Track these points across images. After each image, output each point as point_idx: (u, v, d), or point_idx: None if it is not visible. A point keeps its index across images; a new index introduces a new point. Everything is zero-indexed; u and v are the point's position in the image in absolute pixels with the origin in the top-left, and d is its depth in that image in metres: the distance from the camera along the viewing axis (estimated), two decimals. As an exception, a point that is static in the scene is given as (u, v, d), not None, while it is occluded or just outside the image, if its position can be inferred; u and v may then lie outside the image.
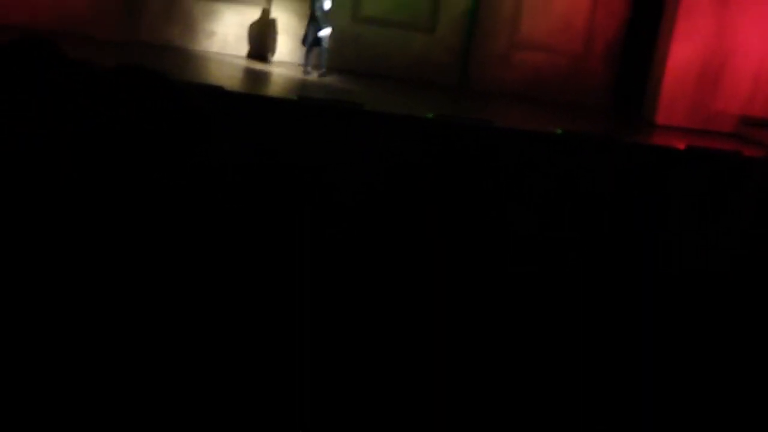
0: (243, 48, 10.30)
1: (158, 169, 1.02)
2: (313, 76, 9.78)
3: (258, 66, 9.94)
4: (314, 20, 9.73)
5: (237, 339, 2.39)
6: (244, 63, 10.13)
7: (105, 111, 1.00)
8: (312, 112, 5.49)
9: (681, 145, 6.59)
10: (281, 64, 10.24)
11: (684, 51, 10.05)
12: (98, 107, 1.02)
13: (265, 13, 10.46)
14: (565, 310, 3.12)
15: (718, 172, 4.51)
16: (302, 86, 9.08)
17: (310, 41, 9.77)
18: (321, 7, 9.64)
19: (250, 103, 4.91)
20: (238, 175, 3.68)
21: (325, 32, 9.66)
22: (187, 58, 9.29)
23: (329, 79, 9.55)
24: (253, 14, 10.43)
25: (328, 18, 9.64)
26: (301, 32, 9.99)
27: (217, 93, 5.53)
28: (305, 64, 9.81)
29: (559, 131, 6.01)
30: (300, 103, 6.01)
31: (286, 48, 10.47)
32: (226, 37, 10.30)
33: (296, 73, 9.87)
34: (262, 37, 10.45)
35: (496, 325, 3.00)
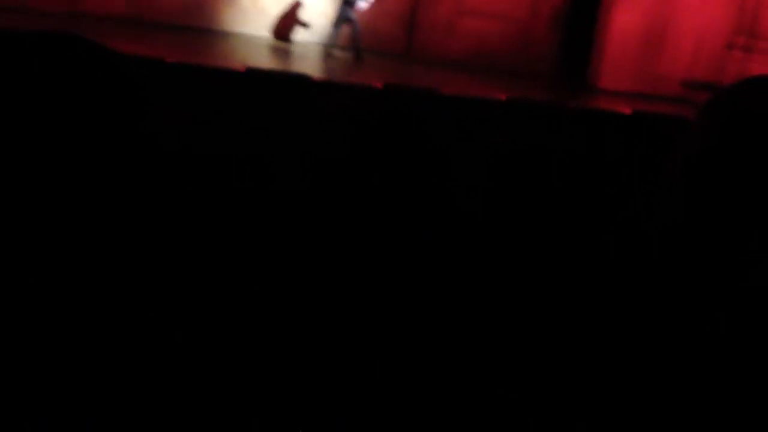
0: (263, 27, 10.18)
1: (90, 145, 0.99)
2: (336, 56, 9.43)
3: (274, 46, 9.60)
4: None
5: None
6: (259, 43, 9.82)
7: (25, 80, 0.97)
8: (258, 83, 5.44)
9: (626, 110, 6.67)
10: (305, 45, 9.88)
11: (627, 16, 10.14)
12: (18, 76, 0.98)
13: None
14: (508, 276, 3.15)
15: (663, 136, 4.57)
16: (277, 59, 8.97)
17: (340, 20, 9.38)
18: None
19: (193, 75, 4.85)
20: (177, 149, 3.64)
21: (361, 5, 9.25)
22: (199, 37, 9.03)
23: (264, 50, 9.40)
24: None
25: None
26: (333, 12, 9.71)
27: (158, 65, 5.44)
28: (328, 45, 9.42)
29: (504, 98, 6.04)
30: (246, 75, 5.95)
31: (315, 28, 10.27)
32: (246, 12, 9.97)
33: (313, 54, 9.44)
34: (285, 17, 10.11)
35: (439, 295, 3.02)
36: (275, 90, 5.09)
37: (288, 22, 10.06)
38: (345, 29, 9.49)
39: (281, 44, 9.93)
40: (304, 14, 10.08)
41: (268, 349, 2.18)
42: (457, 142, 5.02)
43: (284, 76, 5.67)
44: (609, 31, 10.03)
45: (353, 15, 9.29)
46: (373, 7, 10.24)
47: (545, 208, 4.43)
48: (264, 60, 8.65)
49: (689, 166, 1.03)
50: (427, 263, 3.40)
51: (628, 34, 9.95)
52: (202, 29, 9.70)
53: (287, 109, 4.55)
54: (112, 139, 1.07)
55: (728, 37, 10.26)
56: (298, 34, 10.11)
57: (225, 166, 4.01)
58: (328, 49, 9.44)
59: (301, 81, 5.93)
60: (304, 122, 4.20)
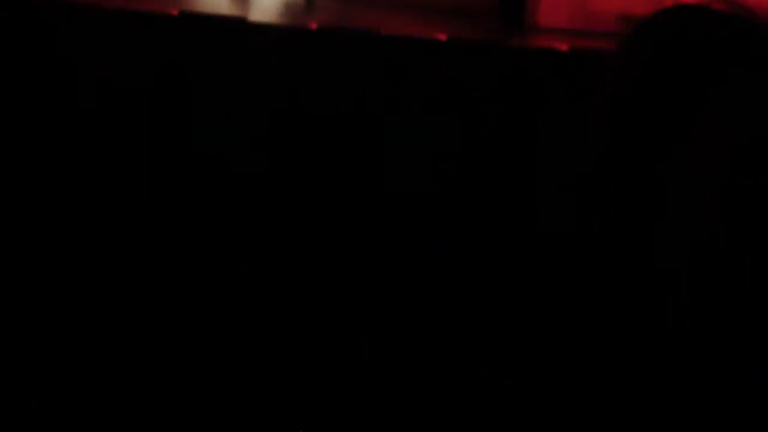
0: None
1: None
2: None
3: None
4: None
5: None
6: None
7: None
8: (192, 27, 5.33)
9: (563, 47, 6.67)
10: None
11: (564, -49, 10.07)
12: None
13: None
14: (444, 229, 3.16)
15: (598, 72, 4.56)
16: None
17: None
18: None
19: (120, 20, 4.71)
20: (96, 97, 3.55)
21: None
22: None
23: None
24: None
25: None
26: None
27: (77, 8, 5.29)
28: None
29: (443, 37, 5.99)
30: (178, 18, 5.82)
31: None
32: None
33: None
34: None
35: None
36: (208, 34, 5.00)
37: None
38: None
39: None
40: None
41: (263, 345, 2.15)
42: (397, 85, 4.99)
43: (219, 20, 5.55)
44: (547, -32, 9.97)
45: None
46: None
47: (483, 148, 4.44)
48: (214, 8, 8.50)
49: (612, 101, 1.02)
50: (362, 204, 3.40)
51: (566, -29, 9.89)
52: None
53: (222, 54, 4.47)
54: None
55: (665, -29, 10.22)
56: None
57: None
58: None
59: (237, 24, 5.83)
60: (242, 68, 4.14)
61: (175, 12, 7.20)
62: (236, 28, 5.96)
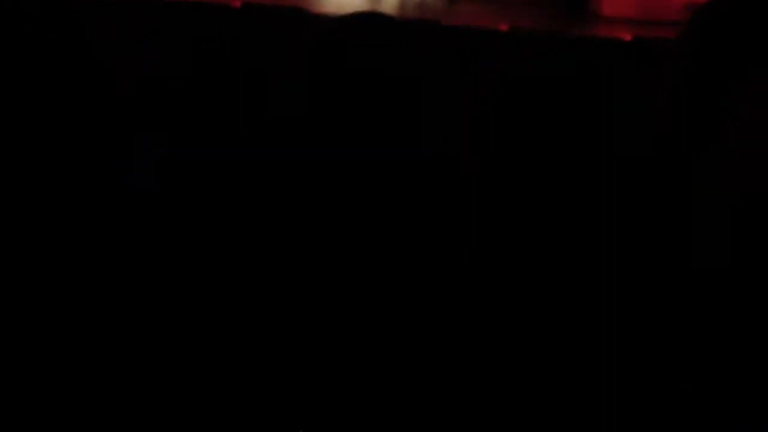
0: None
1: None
2: None
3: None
4: None
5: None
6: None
7: None
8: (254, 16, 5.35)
9: (627, 36, 6.56)
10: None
11: (630, -61, 9.90)
12: None
13: None
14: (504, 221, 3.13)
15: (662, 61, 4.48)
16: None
17: None
18: None
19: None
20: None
21: None
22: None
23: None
24: None
25: None
26: None
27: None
28: None
29: (504, 28, 5.93)
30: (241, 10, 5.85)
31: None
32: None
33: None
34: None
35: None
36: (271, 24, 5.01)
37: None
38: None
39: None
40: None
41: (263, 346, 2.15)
42: (458, 75, 4.95)
43: (280, 10, 5.57)
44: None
45: None
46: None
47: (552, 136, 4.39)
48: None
49: (678, 80, 1.00)
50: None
51: (632, -41, 9.74)
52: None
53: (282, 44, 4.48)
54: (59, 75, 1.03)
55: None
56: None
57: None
58: None
59: (296, 13, 5.83)
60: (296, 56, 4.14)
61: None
62: (297, 17, 5.98)
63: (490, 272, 2.78)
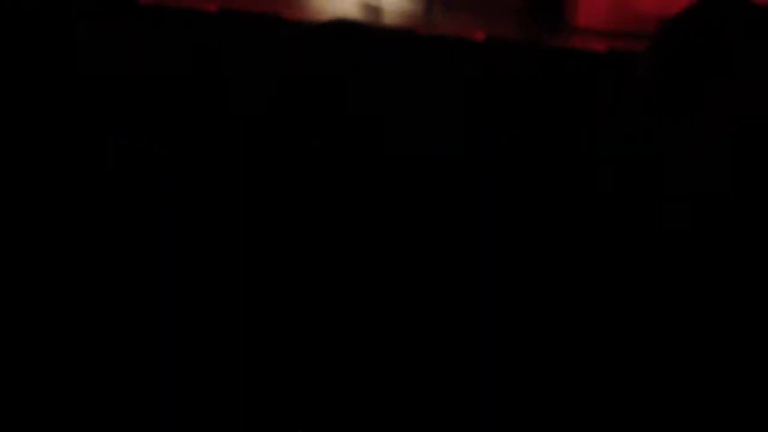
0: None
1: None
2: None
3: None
4: None
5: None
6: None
7: None
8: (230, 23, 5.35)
9: (602, 47, 6.62)
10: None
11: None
12: None
13: None
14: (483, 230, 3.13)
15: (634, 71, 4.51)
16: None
17: None
18: None
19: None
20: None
21: None
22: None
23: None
24: None
25: None
26: None
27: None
28: None
29: (480, 37, 5.97)
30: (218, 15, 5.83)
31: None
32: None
33: None
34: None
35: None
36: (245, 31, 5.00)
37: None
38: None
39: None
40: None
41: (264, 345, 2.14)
42: (431, 85, 4.96)
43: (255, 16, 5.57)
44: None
45: None
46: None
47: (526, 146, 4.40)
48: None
49: (644, 92, 1.01)
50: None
51: (607, -30, 9.82)
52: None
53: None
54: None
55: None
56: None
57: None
58: None
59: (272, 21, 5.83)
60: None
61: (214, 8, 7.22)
62: (273, 24, 5.97)
63: (487, 272, 2.79)
